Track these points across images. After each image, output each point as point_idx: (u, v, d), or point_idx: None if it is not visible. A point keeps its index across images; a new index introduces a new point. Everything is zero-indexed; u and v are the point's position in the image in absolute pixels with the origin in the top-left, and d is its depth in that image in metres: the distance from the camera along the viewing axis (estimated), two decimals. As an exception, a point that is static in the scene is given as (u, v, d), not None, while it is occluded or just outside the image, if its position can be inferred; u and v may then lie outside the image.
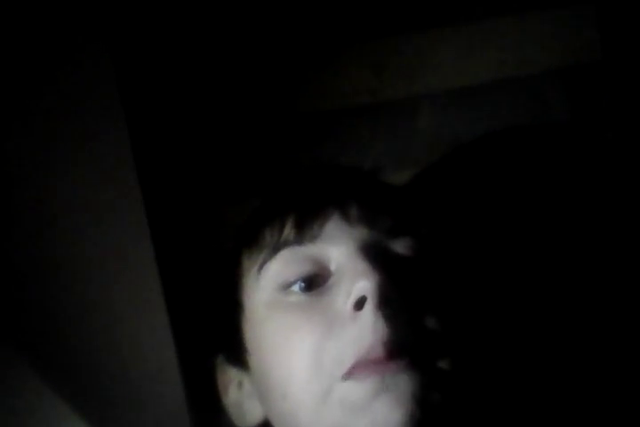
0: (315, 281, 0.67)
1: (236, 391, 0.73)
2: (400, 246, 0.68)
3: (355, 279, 0.64)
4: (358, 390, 0.62)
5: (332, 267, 0.68)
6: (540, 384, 0.82)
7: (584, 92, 0.89)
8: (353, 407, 0.63)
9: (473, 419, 0.67)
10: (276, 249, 0.69)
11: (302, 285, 0.67)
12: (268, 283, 0.69)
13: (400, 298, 0.64)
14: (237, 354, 0.72)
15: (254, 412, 0.72)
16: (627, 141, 0.88)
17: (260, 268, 0.69)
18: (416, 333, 0.64)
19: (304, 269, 0.68)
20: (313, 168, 0.78)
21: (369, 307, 0.63)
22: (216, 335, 0.76)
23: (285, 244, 0.69)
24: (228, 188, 0.88)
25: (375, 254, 0.66)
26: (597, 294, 0.85)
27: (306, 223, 0.69)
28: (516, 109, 0.89)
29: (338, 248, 0.67)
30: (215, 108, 0.88)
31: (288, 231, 0.69)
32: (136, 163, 0.82)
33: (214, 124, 0.88)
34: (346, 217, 0.68)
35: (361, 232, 0.68)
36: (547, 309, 0.84)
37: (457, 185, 0.88)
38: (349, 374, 0.63)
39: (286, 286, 0.68)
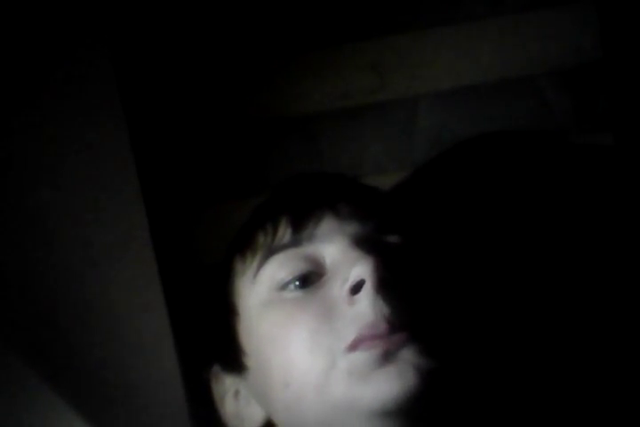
0: (310, 278, 0.69)
1: (233, 401, 0.74)
2: (390, 239, 0.70)
3: (351, 266, 0.66)
4: (364, 358, 0.64)
5: (327, 263, 0.69)
6: (535, 364, 0.83)
7: (584, 92, 0.89)
8: (359, 376, 0.64)
9: (472, 392, 0.69)
10: (272, 252, 0.70)
11: (298, 283, 0.69)
12: (264, 284, 0.70)
13: (396, 280, 0.66)
14: (234, 358, 0.72)
15: (253, 418, 0.72)
16: (627, 142, 0.88)
17: (257, 271, 0.71)
18: (414, 311, 0.66)
19: (300, 267, 0.69)
20: (299, 175, 0.79)
21: (367, 288, 0.65)
22: (211, 342, 0.77)
23: (282, 246, 0.70)
24: (230, 188, 0.88)
25: (368, 244, 0.69)
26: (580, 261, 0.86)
27: (302, 224, 0.70)
28: (516, 109, 0.89)
29: (332, 245, 0.69)
30: (215, 109, 0.88)
31: (282, 233, 0.71)
32: (136, 163, 0.83)
33: (214, 126, 0.88)
34: (337, 215, 0.71)
35: (353, 228, 0.70)
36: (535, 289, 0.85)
37: (450, 185, 0.88)
38: (353, 348, 0.64)
39: (283, 286, 0.69)
